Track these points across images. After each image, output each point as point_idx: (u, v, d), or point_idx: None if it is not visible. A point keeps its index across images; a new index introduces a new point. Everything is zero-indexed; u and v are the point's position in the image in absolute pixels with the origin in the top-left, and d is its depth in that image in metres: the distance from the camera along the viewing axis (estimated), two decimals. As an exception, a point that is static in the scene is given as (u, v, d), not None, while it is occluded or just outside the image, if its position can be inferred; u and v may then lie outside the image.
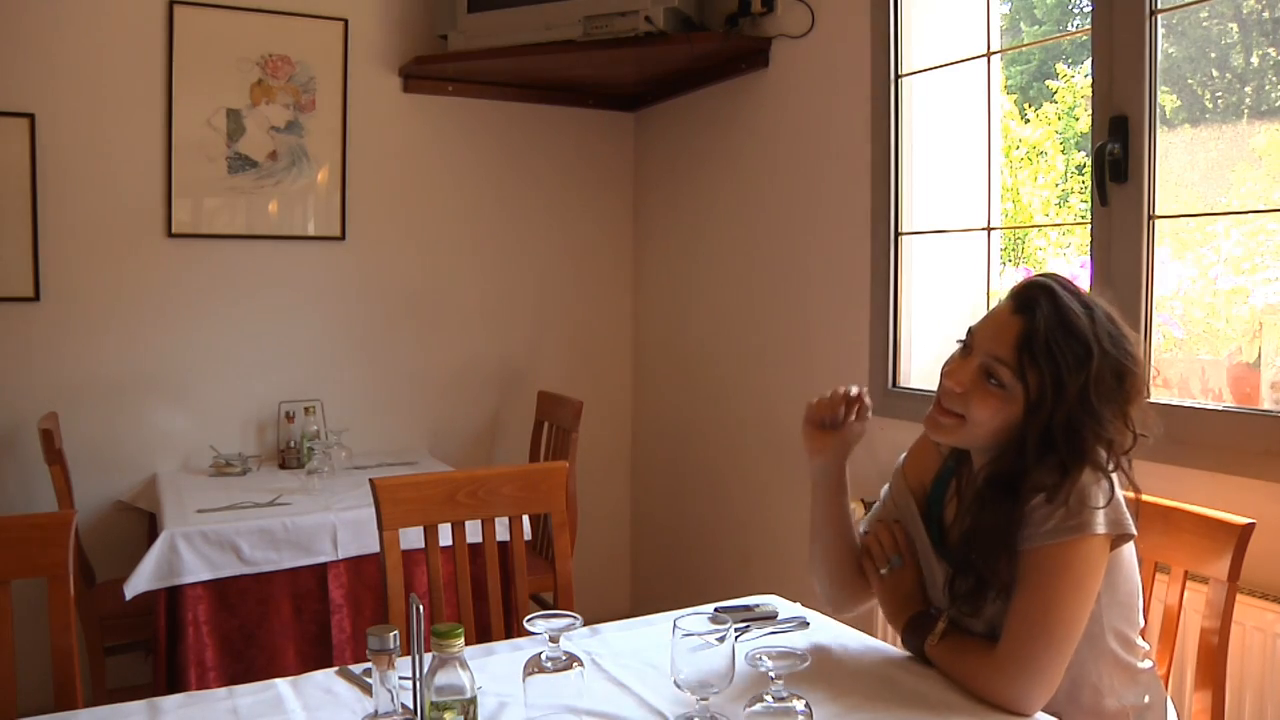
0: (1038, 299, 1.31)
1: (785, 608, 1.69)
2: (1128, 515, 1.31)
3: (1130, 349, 1.33)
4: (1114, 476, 1.33)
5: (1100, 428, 1.30)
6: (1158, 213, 1.98)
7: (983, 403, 1.33)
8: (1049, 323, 1.29)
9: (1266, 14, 2.07)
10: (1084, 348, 1.29)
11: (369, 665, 1.09)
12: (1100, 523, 1.28)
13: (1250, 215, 2.12)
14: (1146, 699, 1.39)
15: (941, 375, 1.40)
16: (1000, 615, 1.32)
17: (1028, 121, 3.58)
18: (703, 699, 1.19)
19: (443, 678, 1.09)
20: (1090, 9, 2.07)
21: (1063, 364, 1.28)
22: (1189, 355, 2.20)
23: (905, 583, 1.47)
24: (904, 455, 1.59)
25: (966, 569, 1.35)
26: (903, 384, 2.62)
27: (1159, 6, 1.94)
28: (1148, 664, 1.42)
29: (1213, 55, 2.22)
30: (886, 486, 1.60)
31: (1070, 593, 1.27)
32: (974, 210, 2.54)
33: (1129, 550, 1.37)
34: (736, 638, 1.27)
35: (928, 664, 1.40)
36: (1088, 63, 2.15)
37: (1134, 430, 1.33)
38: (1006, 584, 1.31)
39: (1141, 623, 1.43)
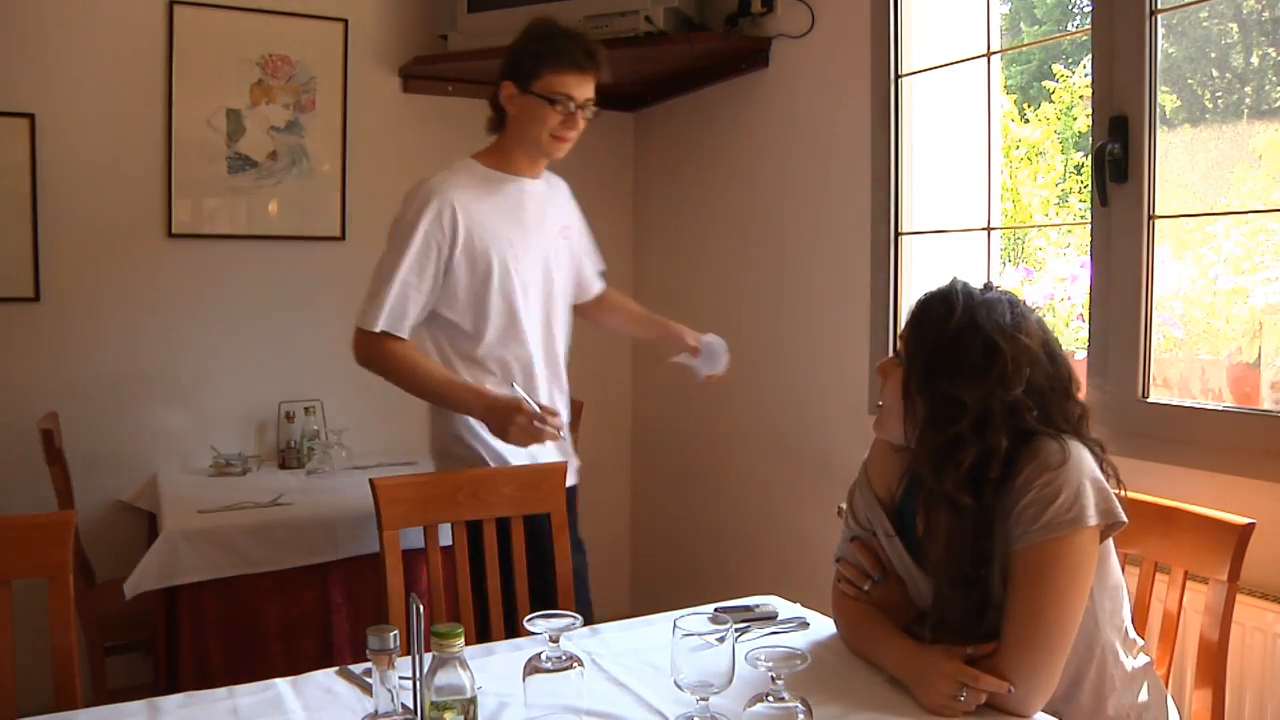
0: (939, 285, 1.42)
1: (785, 608, 1.69)
2: (1117, 503, 1.31)
3: (1006, 326, 1.34)
4: (1094, 464, 1.32)
5: (946, 388, 1.33)
6: (1158, 213, 1.98)
7: (890, 385, 1.42)
8: (931, 296, 1.41)
9: (1266, 14, 2.07)
10: (947, 307, 1.36)
11: (369, 665, 1.09)
12: (1093, 514, 1.28)
13: (1250, 215, 2.12)
14: (1146, 698, 1.39)
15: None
16: (997, 620, 1.31)
17: (1027, 122, 3.58)
18: (703, 699, 1.19)
19: (443, 678, 1.09)
20: (1090, 9, 2.07)
21: (927, 321, 1.38)
22: (1189, 355, 2.21)
23: (892, 596, 1.47)
24: (863, 464, 1.56)
25: (952, 596, 1.35)
26: (903, 384, 2.62)
27: (1159, 6, 1.94)
28: (1144, 659, 1.42)
29: (1213, 55, 2.22)
30: (848, 500, 1.57)
31: (1066, 588, 1.27)
32: (974, 210, 2.54)
33: (1110, 542, 1.37)
34: (736, 638, 1.27)
35: None
36: (1085, 63, 2.15)
37: (1018, 403, 1.31)
38: (999, 601, 1.31)
39: (1129, 615, 1.43)
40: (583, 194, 3.71)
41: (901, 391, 1.39)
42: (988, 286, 1.41)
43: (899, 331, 1.44)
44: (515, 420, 1.93)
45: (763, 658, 1.15)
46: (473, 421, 2.07)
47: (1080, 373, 2.11)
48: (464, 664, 1.10)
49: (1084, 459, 1.31)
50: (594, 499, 3.58)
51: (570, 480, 2.11)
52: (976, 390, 1.31)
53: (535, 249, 2.13)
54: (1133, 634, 1.43)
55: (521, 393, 1.97)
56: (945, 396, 1.33)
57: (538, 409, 1.93)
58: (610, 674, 1.42)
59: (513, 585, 1.92)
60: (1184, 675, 1.71)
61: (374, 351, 2.06)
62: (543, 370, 2.15)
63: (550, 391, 2.17)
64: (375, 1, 3.33)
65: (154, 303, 3.09)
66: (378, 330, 2.02)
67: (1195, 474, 1.84)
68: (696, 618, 1.22)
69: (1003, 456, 1.31)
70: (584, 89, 2.04)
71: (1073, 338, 2.53)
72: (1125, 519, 1.31)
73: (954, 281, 1.41)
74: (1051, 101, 3.58)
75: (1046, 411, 1.34)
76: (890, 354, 1.46)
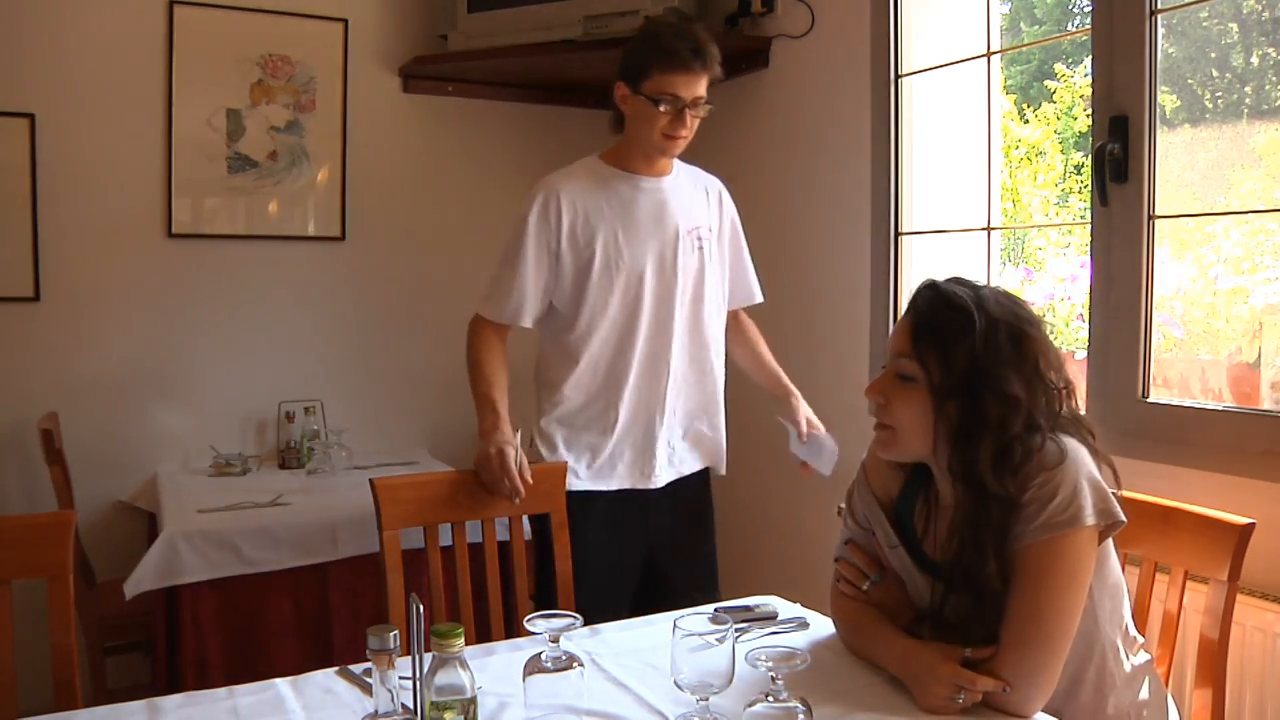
0: (921, 293, 1.39)
1: (785, 608, 1.69)
2: (1115, 502, 1.31)
3: (1022, 313, 1.35)
4: (1092, 463, 1.32)
5: (999, 387, 1.31)
6: (1158, 213, 1.98)
7: (902, 403, 1.37)
8: (932, 305, 1.37)
9: (1266, 14, 2.08)
10: (965, 315, 1.33)
11: (369, 665, 1.09)
12: (1090, 513, 1.27)
13: (1250, 215, 2.12)
14: (1146, 696, 1.39)
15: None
16: (994, 618, 1.31)
17: (1027, 122, 3.58)
18: (703, 699, 1.19)
19: (443, 678, 1.09)
20: (1090, 9, 2.07)
21: (948, 334, 1.34)
22: (1189, 355, 2.21)
23: (890, 596, 1.47)
24: (861, 465, 1.55)
25: (959, 593, 1.34)
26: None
27: (1159, 6, 1.94)
28: (1144, 657, 1.42)
29: (1213, 55, 2.22)
30: (846, 500, 1.57)
31: (1065, 588, 1.26)
32: (974, 210, 2.54)
33: (1109, 542, 1.37)
34: (736, 638, 1.27)
35: None
36: (1086, 63, 2.15)
37: (1054, 386, 1.33)
38: (999, 600, 1.31)
39: (1129, 613, 1.43)
40: (583, 194, 3.73)
41: (933, 406, 1.34)
42: (960, 279, 1.39)
43: (897, 348, 1.39)
44: (487, 464, 1.90)
45: (763, 658, 1.15)
46: (551, 429, 2.11)
47: (1080, 373, 2.12)
48: (464, 664, 1.10)
49: (1081, 458, 1.31)
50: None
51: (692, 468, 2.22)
52: (1020, 379, 1.31)
53: (648, 245, 2.08)
54: (1133, 632, 1.43)
55: (514, 441, 1.93)
56: (999, 396, 1.30)
57: (513, 464, 1.88)
58: (610, 674, 1.42)
59: (513, 585, 1.92)
60: (1184, 675, 1.71)
61: (469, 330, 2.11)
62: (639, 373, 2.08)
63: (641, 398, 2.10)
64: (375, 1, 3.33)
65: (154, 303, 3.09)
66: (482, 315, 2.09)
67: (1195, 474, 1.84)
68: (696, 618, 1.22)
69: (1037, 443, 1.30)
70: (692, 88, 2.01)
71: (1073, 338, 2.53)
72: (1124, 518, 1.31)
73: (937, 286, 1.38)
74: (1052, 101, 3.58)
75: (1056, 406, 1.35)
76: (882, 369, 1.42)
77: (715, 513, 2.31)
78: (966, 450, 1.32)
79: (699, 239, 2.15)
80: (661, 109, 2.00)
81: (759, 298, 2.33)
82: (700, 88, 2.02)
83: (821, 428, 2.23)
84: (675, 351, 2.11)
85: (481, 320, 2.09)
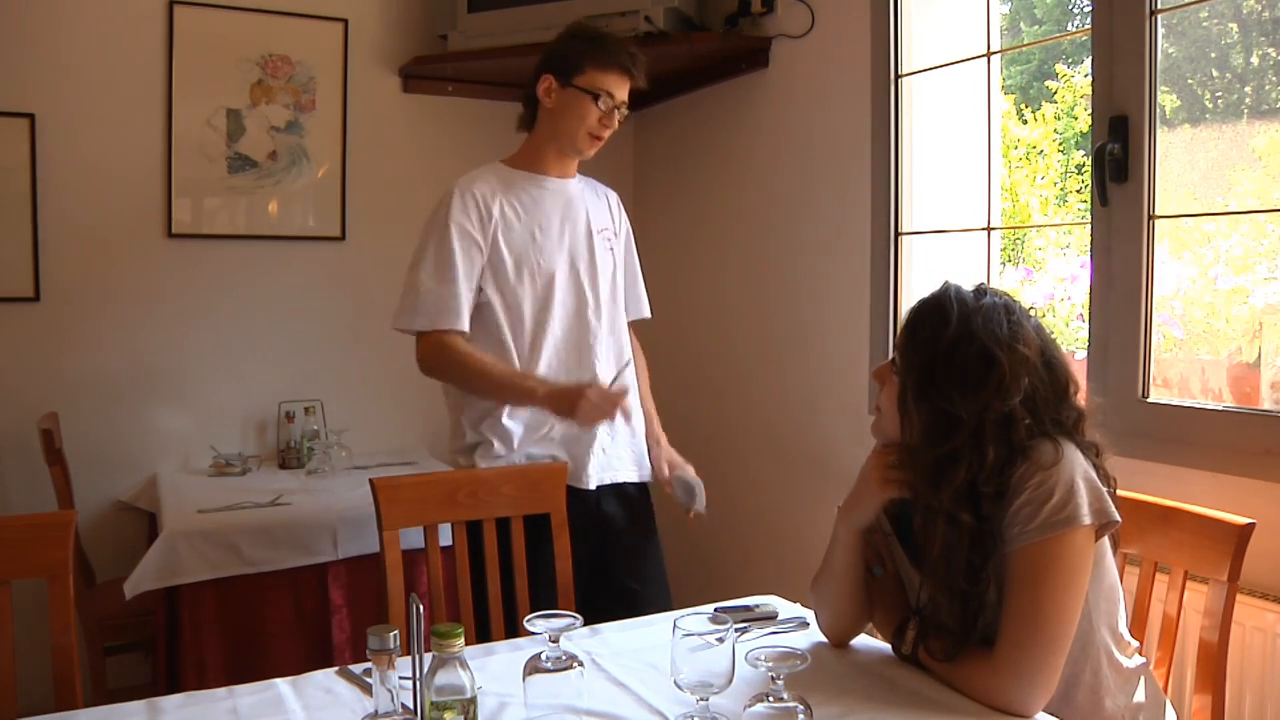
0: (932, 291, 1.41)
1: (785, 608, 1.69)
2: (1110, 502, 1.31)
3: (1007, 340, 1.32)
4: (1086, 464, 1.32)
5: (943, 400, 1.32)
6: (1157, 213, 1.98)
7: (887, 390, 1.41)
8: (922, 305, 1.39)
9: (1266, 14, 2.08)
10: (942, 318, 1.35)
11: (369, 665, 1.09)
12: (1086, 513, 1.27)
13: (1250, 215, 2.12)
14: (1142, 698, 1.39)
15: None
16: (991, 621, 1.32)
17: (1026, 122, 3.59)
18: (703, 699, 1.19)
19: (443, 678, 1.09)
20: (1090, 9, 2.07)
21: (920, 332, 1.37)
22: (1189, 355, 2.21)
23: (888, 592, 1.47)
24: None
25: (946, 605, 1.35)
26: (903, 384, 2.61)
27: (1159, 6, 1.94)
28: (1139, 660, 1.42)
29: (1213, 55, 2.22)
30: None
31: (1063, 588, 1.27)
32: (974, 210, 2.54)
33: (1105, 542, 1.37)
34: (736, 638, 1.27)
35: (922, 668, 1.39)
36: (1086, 63, 2.15)
37: (1020, 420, 1.31)
38: (993, 603, 1.31)
39: (1124, 616, 1.43)
40: (583, 194, 3.73)
41: (897, 404, 1.38)
42: (981, 290, 1.38)
43: (895, 339, 1.43)
44: (586, 395, 1.88)
45: (763, 658, 1.15)
46: (509, 425, 2.05)
47: (1080, 373, 2.12)
48: (464, 664, 1.10)
49: (1076, 459, 1.31)
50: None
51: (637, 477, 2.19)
52: (972, 404, 1.31)
53: (561, 244, 2.10)
54: (1127, 635, 1.43)
55: (599, 377, 1.96)
56: (941, 411, 1.32)
57: (598, 390, 1.90)
58: (610, 674, 1.42)
59: (513, 585, 1.92)
60: (1184, 675, 1.71)
61: (429, 355, 2.05)
62: (563, 372, 2.08)
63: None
64: (375, 1, 3.33)
65: (154, 303, 3.09)
66: (434, 329, 2.02)
67: (1195, 474, 1.84)
68: (696, 618, 1.22)
69: (994, 469, 1.30)
70: (623, 90, 2.07)
71: (1073, 338, 2.54)
72: (1119, 518, 1.31)
73: (946, 288, 1.39)
74: (1053, 101, 3.58)
75: (1039, 420, 1.33)
76: (889, 357, 1.44)
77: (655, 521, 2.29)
78: (914, 455, 1.35)
79: (609, 240, 2.19)
80: (599, 103, 2.04)
81: (648, 312, 2.35)
82: (626, 93, 2.09)
83: (681, 466, 2.24)
84: (599, 352, 2.12)
85: (436, 336, 2.03)
